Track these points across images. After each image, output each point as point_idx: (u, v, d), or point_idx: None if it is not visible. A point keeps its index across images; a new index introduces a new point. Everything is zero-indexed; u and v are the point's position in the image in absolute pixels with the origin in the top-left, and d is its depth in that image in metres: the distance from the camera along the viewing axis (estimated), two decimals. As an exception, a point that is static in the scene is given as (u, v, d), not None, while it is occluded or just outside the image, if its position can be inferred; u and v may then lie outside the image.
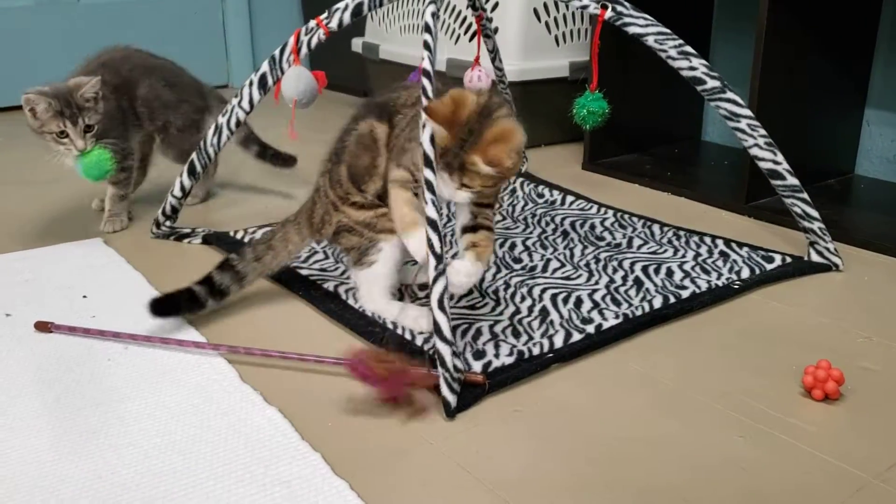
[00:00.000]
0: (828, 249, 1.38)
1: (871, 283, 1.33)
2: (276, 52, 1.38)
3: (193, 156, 1.46)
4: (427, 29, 1.11)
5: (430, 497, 0.81)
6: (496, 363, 1.04)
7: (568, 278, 1.31)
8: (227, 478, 0.83)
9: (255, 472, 0.83)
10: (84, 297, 1.26)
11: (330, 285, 1.28)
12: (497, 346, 1.08)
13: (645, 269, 1.34)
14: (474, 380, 0.99)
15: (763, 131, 1.32)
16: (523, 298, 1.23)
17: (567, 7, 2.13)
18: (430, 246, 0.98)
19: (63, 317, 1.18)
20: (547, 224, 1.57)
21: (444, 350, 0.95)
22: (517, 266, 1.36)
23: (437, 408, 0.95)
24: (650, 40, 1.30)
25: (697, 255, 1.41)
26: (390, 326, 1.14)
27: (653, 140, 2.11)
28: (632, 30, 1.30)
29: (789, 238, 1.51)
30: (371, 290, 1.17)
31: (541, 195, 1.73)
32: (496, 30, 2.05)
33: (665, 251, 1.43)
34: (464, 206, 1.08)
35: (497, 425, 0.93)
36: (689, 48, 1.30)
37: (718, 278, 1.31)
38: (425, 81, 1.04)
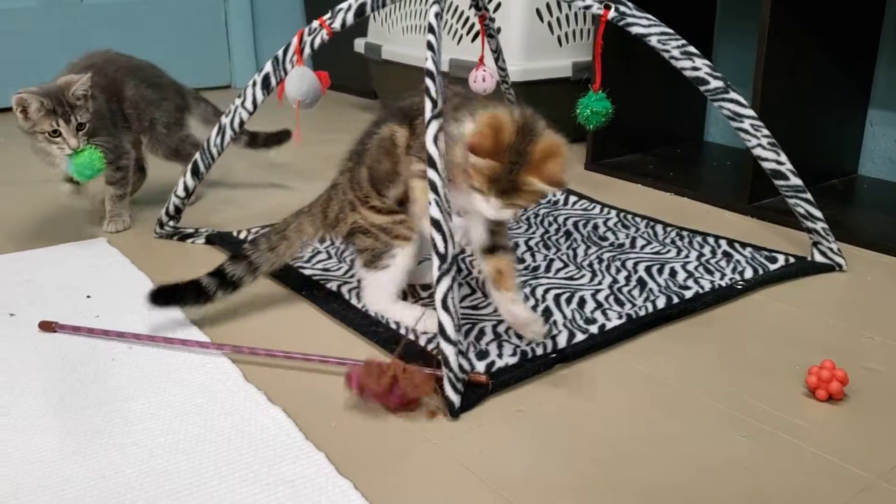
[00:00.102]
0: (831, 250, 1.38)
1: (874, 283, 1.33)
2: (280, 53, 1.38)
3: (197, 156, 1.47)
4: (431, 29, 1.11)
5: (434, 497, 0.81)
6: (500, 363, 1.04)
7: (571, 278, 1.31)
8: (231, 477, 0.83)
9: (258, 472, 0.83)
10: (88, 296, 1.26)
11: (333, 285, 1.28)
12: (500, 347, 1.08)
13: (648, 270, 1.34)
14: (478, 380, 0.99)
15: (766, 131, 1.32)
16: (526, 299, 1.23)
17: (570, 7, 2.13)
18: (434, 246, 0.98)
19: (67, 316, 1.18)
20: (550, 224, 1.57)
21: (449, 350, 0.95)
22: (520, 266, 1.36)
23: (441, 408, 0.95)
24: (653, 40, 1.30)
25: (701, 255, 1.41)
26: (393, 326, 1.14)
27: (656, 140, 2.11)
28: (635, 30, 1.30)
29: (793, 238, 1.51)
30: (379, 293, 1.17)
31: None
32: (499, 30, 2.05)
33: (668, 251, 1.43)
34: (480, 222, 1.05)
35: (500, 425, 0.93)
36: (692, 48, 1.30)
37: (722, 279, 1.31)
38: (429, 82, 1.04)
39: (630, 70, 1.90)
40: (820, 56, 1.67)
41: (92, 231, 1.57)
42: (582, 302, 1.22)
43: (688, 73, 1.30)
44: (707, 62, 1.30)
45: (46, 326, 1.14)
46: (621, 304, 1.21)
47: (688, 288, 1.27)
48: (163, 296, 1.13)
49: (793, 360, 1.07)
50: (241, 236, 1.50)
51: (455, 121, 1.03)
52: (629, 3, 1.30)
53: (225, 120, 1.43)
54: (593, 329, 1.13)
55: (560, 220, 1.59)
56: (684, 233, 1.52)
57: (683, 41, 1.30)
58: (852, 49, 1.75)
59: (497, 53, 1.68)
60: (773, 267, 1.36)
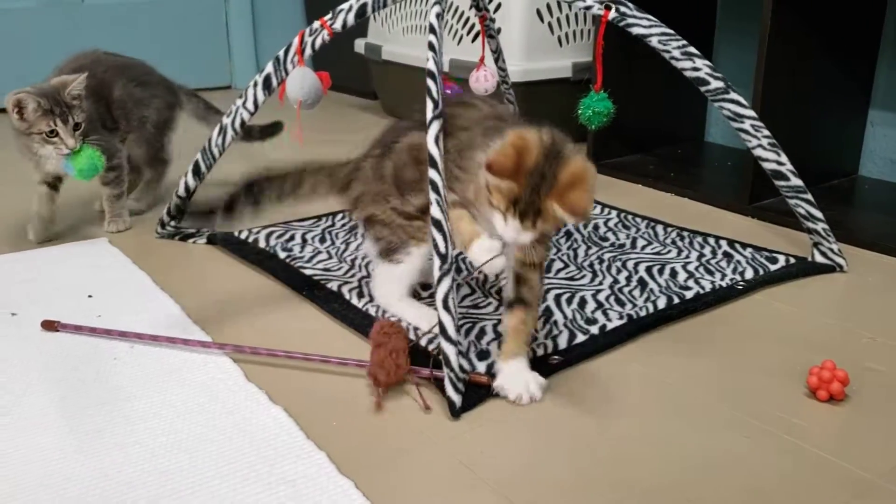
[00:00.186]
0: (832, 250, 1.38)
1: (875, 283, 1.33)
2: (281, 53, 1.38)
3: (198, 156, 1.47)
4: (431, 30, 1.11)
5: (435, 496, 0.81)
6: (500, 363, 1.04)
7: (572, 279, 1.32)
8: (233, 476, 0.83)
9: (260, 471, 0.84)
10: (90, 296, 1.27)
11: (333, 285, 1.29)
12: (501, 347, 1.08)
13: (649, 270, 1.35)
14: (479, 380, 0.99)
15: (767, 132, 1.32)
16: (527, 299, 1.23)
17: (570, 8, 2.14)
18: (435, 246, 0.98)
19: (69, 316, 1.19)
20: (550, 224, 1.57)
21: (450, 350, 0.95)
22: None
23: (441, 407, 0.95)
24: (654, 41, 1.30)
25: (701, 255, 1.41)
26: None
27: (656, 141, 2.11)
28: (635, 30, 1.30)
29: (793, 239, 1.51)
30: (389, 286, 1.18)
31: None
32: (499, 30, 2.05)
33: (669, 252, 1.43)
34: (510, 265, 1.00)
35: (501, 425, 0.93)
36: (692, 49, 1.30)
37: (722, 279, 1.31)
38: (430, 82, 1.04)
39: (631, 70, 1.90)
40: (821, 57, 1.68)
41: (93, 231, 1.57)
42: (583, 302, 1.22)
43: (688, 74, 1.31)
44: (707, 63, 1.30)
45: (49, 326, 1.14)
46: (622, 305, 1.22)
47: (688, 288, 1.27)
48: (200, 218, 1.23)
49: (793, 360, 1.07)
50: (243, 236, 1.50)
51: (488, 147, 0.95)
52: (630, 4, 1.30)
53: (226, 120, 1.43)
54: (594, 329, 1.13)
55: (561, 220, 1.59)
56: (685, 233, 1.52)
57: (684, 42, 1.30)
58: (853, 50, 1.75)
59: (497, 54, 1.68)
60: (773, 267, 1.36)
